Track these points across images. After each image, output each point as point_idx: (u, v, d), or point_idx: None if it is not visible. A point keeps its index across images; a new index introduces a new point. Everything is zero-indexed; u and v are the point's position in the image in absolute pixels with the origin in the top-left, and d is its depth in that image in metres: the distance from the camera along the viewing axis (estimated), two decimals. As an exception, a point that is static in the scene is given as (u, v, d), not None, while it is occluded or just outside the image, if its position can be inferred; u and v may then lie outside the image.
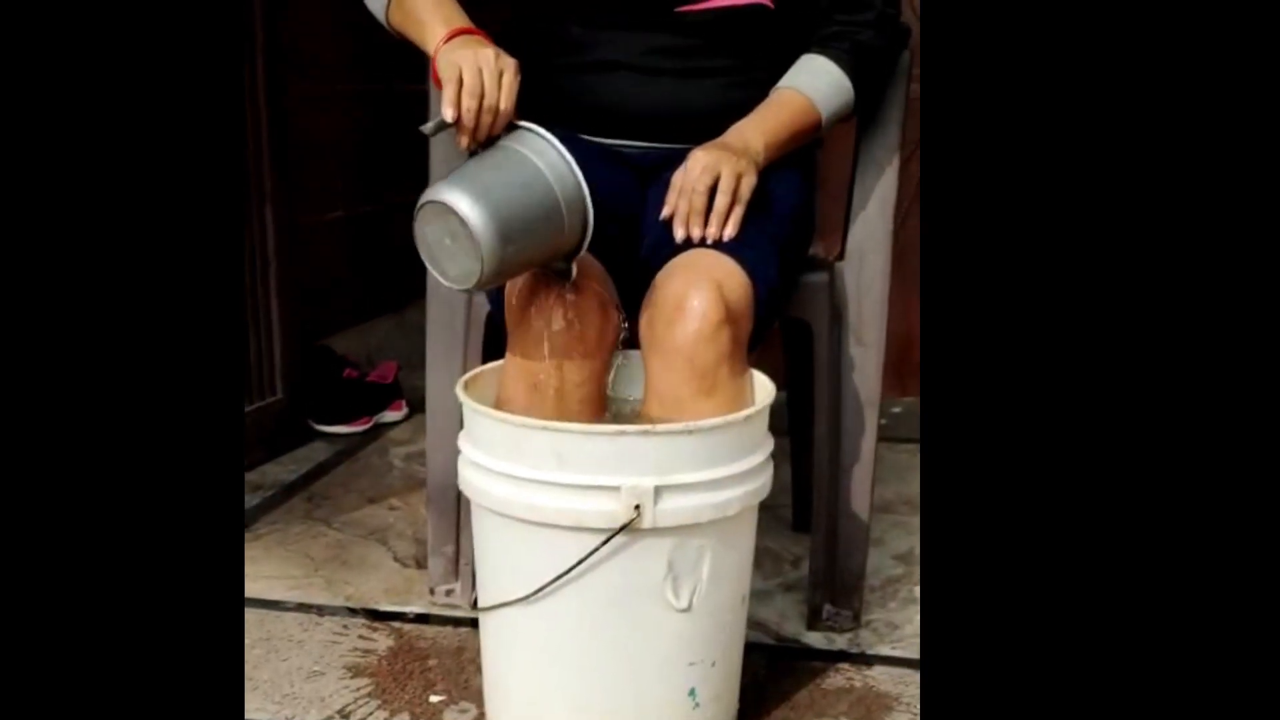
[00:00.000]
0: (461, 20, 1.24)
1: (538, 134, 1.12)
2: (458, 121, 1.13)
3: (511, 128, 1.15)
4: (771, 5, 1.36)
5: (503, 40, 1.39)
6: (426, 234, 1.11)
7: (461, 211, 1.06)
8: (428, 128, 1.16)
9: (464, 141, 1.15)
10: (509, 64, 1.15)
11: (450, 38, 1.20)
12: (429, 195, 1.09)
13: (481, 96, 1.12)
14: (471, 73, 1.13)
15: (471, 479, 1.17)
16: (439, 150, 1.49)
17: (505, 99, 1.14)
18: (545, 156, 1.11)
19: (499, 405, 1.21)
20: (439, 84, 1.15)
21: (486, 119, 1.14)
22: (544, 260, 1.15)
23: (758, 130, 1.34)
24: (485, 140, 1.15)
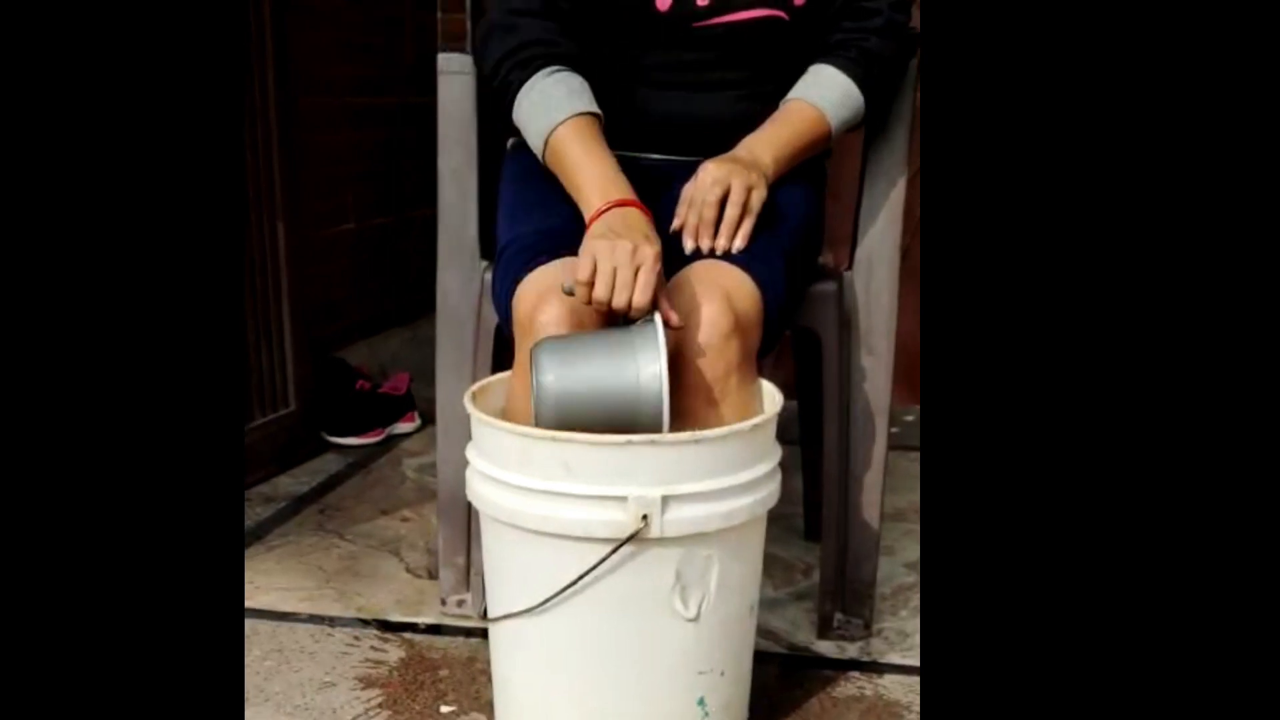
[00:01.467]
0: (616, 189, 1.24)
1: (654, 341, 1.11)
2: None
3: (648, 320, 1.14)
4: (786, 17, 1.36)
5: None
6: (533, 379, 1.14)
7: (537, 378, 1.11)
8: (566, 285, 1.16)
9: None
10: (648, 256, 1.14)
11: (603, 212, 1.21)
12: (537, 360, 1.12)
13: (608, 304, 1.13)
14: (606, 265, 1.13)
15: (480, 490, 1.17)
16: (448, 164, 1.50)
17: (640, 295, 1.13)
18: (646, 367, 1.10)
19: (506, 416, 1.22)
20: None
21: (614, 317, 1.15)
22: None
23: (768, 144, 1.34)
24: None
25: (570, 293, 1.16)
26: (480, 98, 1.48)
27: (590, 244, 1.16)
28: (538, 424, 1.12)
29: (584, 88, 1.31)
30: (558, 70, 1.30)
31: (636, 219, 1.20)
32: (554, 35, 1.32)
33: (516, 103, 1.32)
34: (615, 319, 1.17)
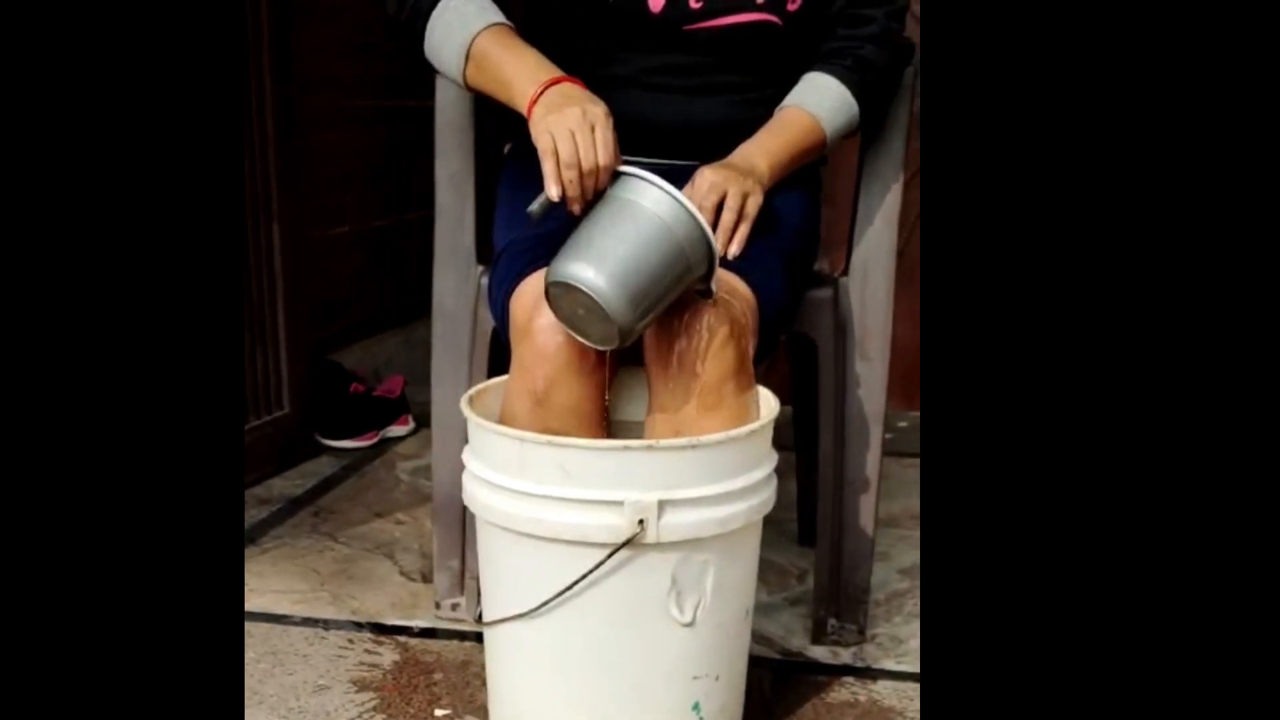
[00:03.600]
0: (546, 70, 1.23)
1: (640, 177, 1.11)
2: (565, 197, 1.15)
3: (614, 175, 1.15)
4: (780, 22, 1.37)
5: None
6: (561, 307, 1.13)
7: (586, 286, 1.08)
8: (534, 209, 1.16)
9: (575, 210, 1.16)
10: (598, 113, 1.15)
11: (540, 93, 1.20)
12: (552, 275, 1.10)
13: (579, 163, 1.13)
14: (566, 141, 1.14)
15: (476, 494, 1.17)
16: (446, 167, 1.50)
17: (604, 153, 1.14)
18: (654, 199, 1.09)
19: (503, 420, 1.22)
20: (537, 143, 1.16)
21: (589, 182, 1.15)
22: (679, 293, 1.15)
23: (763, 151, 1.35)
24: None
25: (540, 209, 1.15)
26: (478, 102, 1.48)
27: (539, 125, 1.16)
28: (621, 329, 1.08)
29: (494, 6, 1.31)
30: None
31: (573, 89, 1.20)
32: None
33: (429, 29, 1.32)
34: (586, 207, 1.16)
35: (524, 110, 1.23)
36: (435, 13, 1.32)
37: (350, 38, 2.60)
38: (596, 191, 1.16)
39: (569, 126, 1.14)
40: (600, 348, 1.15)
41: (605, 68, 1.38)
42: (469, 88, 1.34)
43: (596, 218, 1.13)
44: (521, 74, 1.25)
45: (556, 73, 1.24)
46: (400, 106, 2.78)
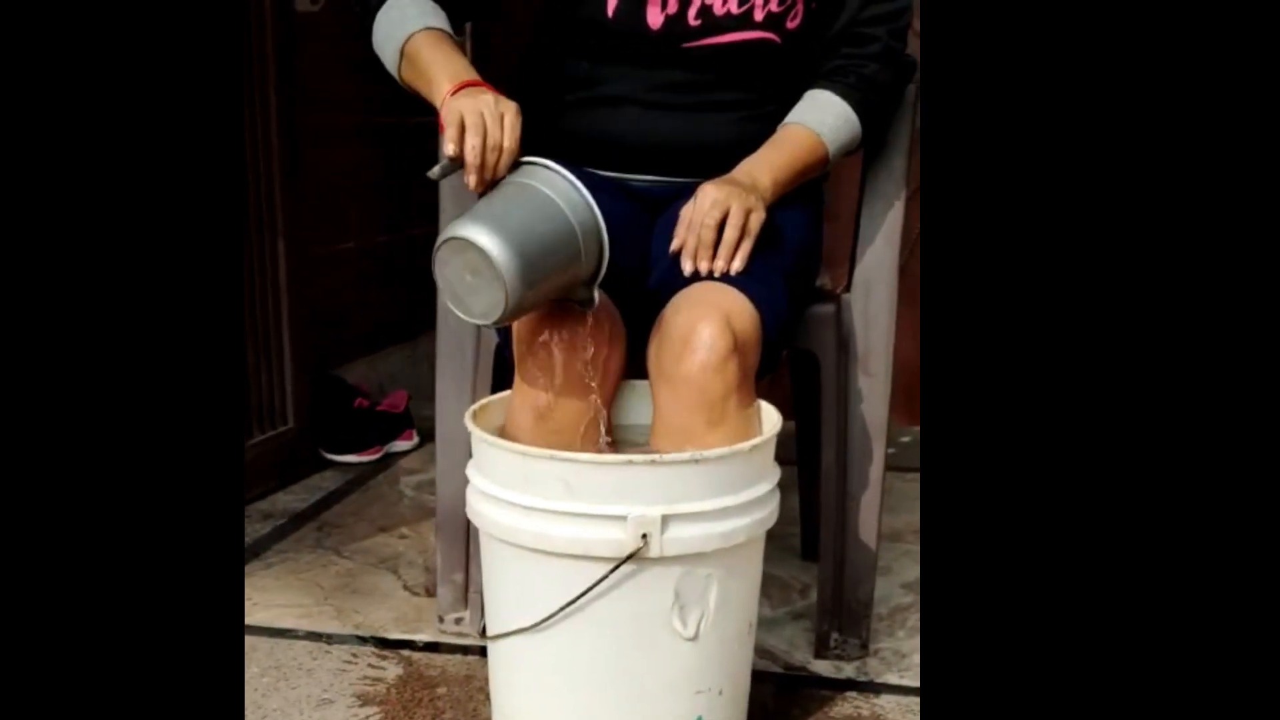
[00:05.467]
0: (468, 73, 1.25)
1: (545, 166, 1.15)
2: (464, 164, 1.15)
3: (518, 165, 1.17)
4: (779, 40, 1.38)
5: (514, 79, 1.42)
6: (447, 273, 1.12)
7: (480, 243, 1.07)
8: (434, 172, 1.18)
9: (472, 181, 1.16)
10: (509, 106, 1.17)
11: (456, 90, 1.21)
12: (446, 233, 1.10)
13: (485, 136, 1.15)
14: (473, 115, 1.15)
15: (480, 508, 1.18)
16: (449, 183, 1.51)
17: (509, 137, 1.16)
18: (555, 185, 1.13)
19: (506, 435, 1.22)
20: (444, 131, 1.17)
21: (492, 157, 1.16)
22: (566, 288, 1.16)
23: (765, 168, 1.35)
24: (494, 180, 1.17)
25: (442, 173, 1.17)
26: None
27: (449, 106, 1.17)
28: (508, 304, 1.08)
29: (437, 10, 1.33)
30: None
31: (487, 93, 1.20)
32: None
33: (375, 24, 1.34)
34: (492, 183, 1.17)
35: (439, 103, 1.23)
36: (381, 10, 1.33)
37: (353, 55, 2.60)
38: (498, 176, 1.17)
39: (479, 109, 1.16)
40: (479, 322, 1.14)
41: (605, 85, 1.39)
42: (403, 84, 1.35)
43: (497, 194, 1.15)
44: (444, 73, 1.25)
45: (476, 76, 1.25)
46: (403, 123, 2.79)
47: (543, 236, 1.11)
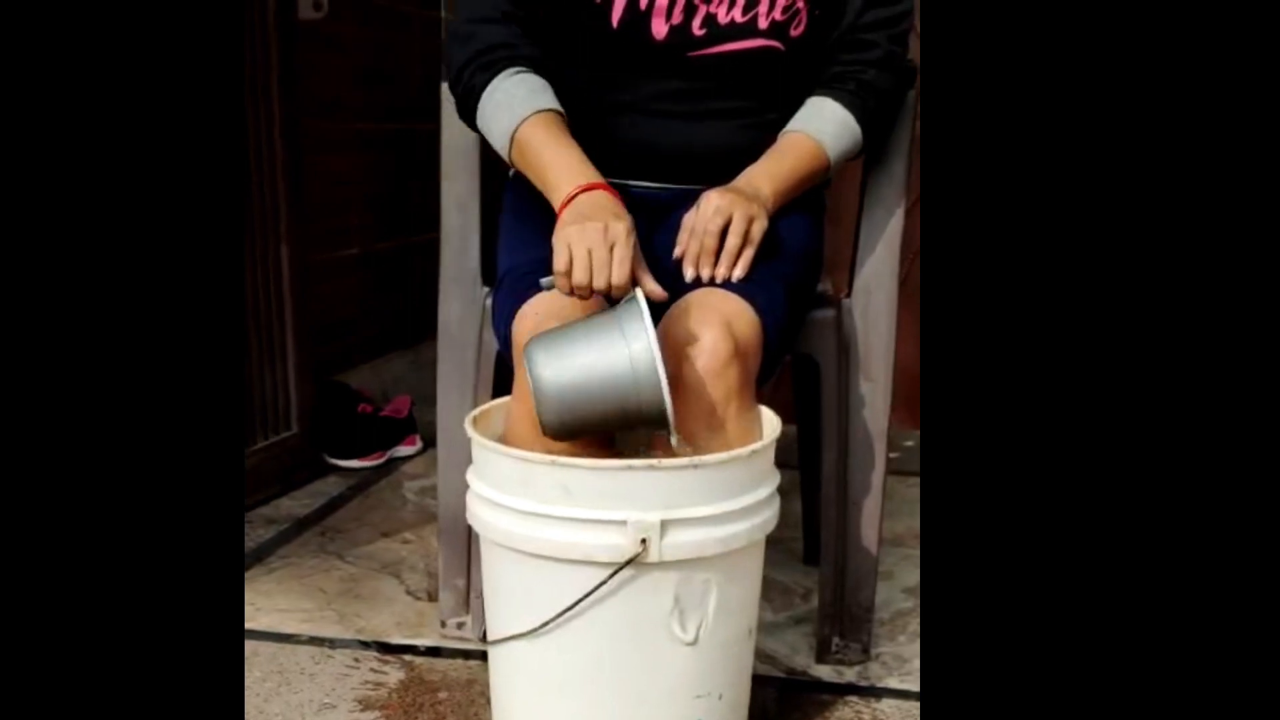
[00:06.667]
0: (582, 172, 1.25)
1: (639, 315, 1.11)
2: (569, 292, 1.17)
3: (630, 296, 1.15)
4: (782, 48, 1.38)
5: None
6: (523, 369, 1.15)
7: (533, 384, 1.11)
8: (545, 282, 1.18)
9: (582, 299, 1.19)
10: (620, 234, 1.15)
11: (570, 199, 1.22)
12: (525, 350, 1.14)
13: (590, 284, 1.15)
14: (582, 250, 1.15)
15: (480, 513, 1.18)
16: (452, 190, 1.52)
17: (617, 274, 1.15)
18: (635, 342, 1.11)
19: (507, 440, 1.23)
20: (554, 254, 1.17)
21: (598, 293, 1.16)
22: (616, 429, 1.17)
23: (768, 176, 1.36)
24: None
25: (550, 287, 1.17)
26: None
27: (561, 233, 1.17)
28: (543, 424, 1.12)
29: (545, 87, 1.32)
30: (519, 71, 1.32)
31: (604, 199, 1.21)
32: (514, 39, 1.34)
33: (480, 106, 1.34)
34: (600, 304, 1.18)
35: (556, 209, 1.24)
36: (486, 93, 1.33)
37: (357, 63, 2.63)
38: (610, 298, 1.17)
39: (587, 244, 1.15)
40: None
41: (610, 94, 1.39)
42: (513, 166, 1.35)
43: (587, 325, 1.14)
44: (558, 172, 1.26)
45: (592, 175, 1.25)
46: (406, 130, 2.81)
47: (597, 399, 1.11)
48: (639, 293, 1.14)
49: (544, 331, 1.16)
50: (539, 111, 1.30)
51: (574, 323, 1.17)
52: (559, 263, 1.15)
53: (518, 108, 1.30)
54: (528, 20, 1.36)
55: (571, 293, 1.17)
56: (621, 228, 1.16)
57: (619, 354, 1.10)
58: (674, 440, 1.13)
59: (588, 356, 1.11)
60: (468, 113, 1.37)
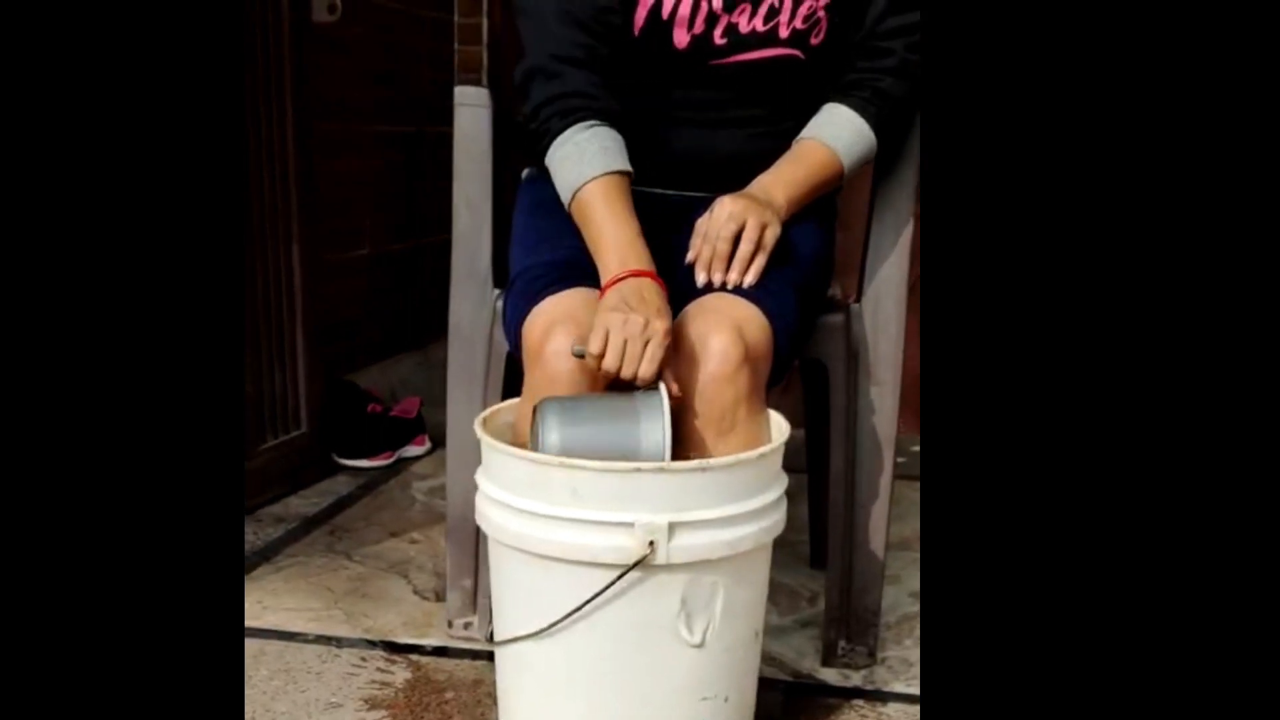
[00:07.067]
0: (635, 256, 1.24)
1: (659, 410, 1.14)
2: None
3: (654, 388, 1.17)
4: (802, 56, 1.38)
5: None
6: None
7: (542, 434, 1.14)
8: (576, 350, 1.20)
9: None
10: (657, 331, 1.16)
11: (618, 280, 1.22)
12: (541, 408, 1.16)
13: (618, 372, 1.16)
14: (618, 338, 1.16)
15: (488, 514, 1.19)
16: (463, 191, 1.52)
17: (646, 368, 1.16)
18: (649, 435, 1.13)
19: (516, 442, 1.23)
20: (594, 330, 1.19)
21: (623, 380, 1.17)
22: None
23: (782, 183, 1.36)
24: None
25: (580, 355, 1.19)
26: (496, 129, 1.51)
27: (604, 316, 1.18)
28: None
29: (618, 145, 1.31)
30: (595, 124, 1.31)
31: (651, 291, 1.21)
32: (596, 90, 1.32)
33: (551, 150, 1.33)
34: (622, 385, 1.19)
35: (602, 284, 1.24)
36: (560, 139, 1.32)
37: (369, 65, 2.64)
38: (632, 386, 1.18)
39: (624, 334, 1.16)
40: None
41: (630, 100, 1.40)
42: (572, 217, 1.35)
43: (606, 405, 1.17)
44: (611, 248, 1.26)
45: (642, 259, 1.25)
46: (418, 132, 2.81)
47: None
48: (663, 388, 1.16)
49: (561, 397, 1.17)
50: (606, 173, 1.29)
51: (592, 397, 1.19)
52: (594, 344, 1.16)
53: (586, 166, 1.29)
54: (609, 59, 1.34)
55: (600, 372, 1.18)
56: (661, 327, 1.16)
57: (631, 441, 1.13)
58: None
59: (599, 434, 1.13)
60: (541, 152, 1.35)
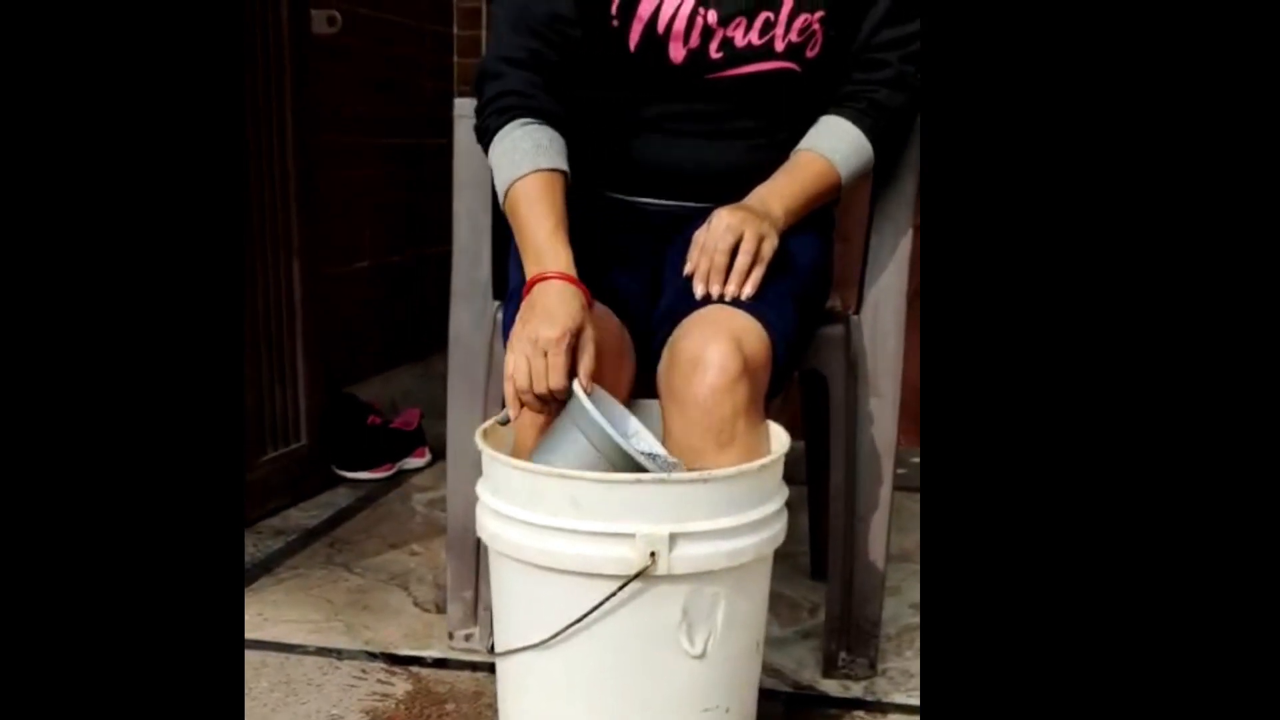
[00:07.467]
0: (550, 258, 1.25)
1: (582, 408, 1.15)
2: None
3: (571, 394, 1.18)
4: (798, 69, 1.39)
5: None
6: None
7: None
8: (501, 419, 1.23)
9: (541, 416, 1.22)
10: (549, 342, 1.17)
11: (529, 288, 1.24)
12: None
13: (531, 388, 1.18)
14: (522, 370, 1.18)
15: (489, 525, 1.19)
16: (463, 204, 1.53)
17: (553, 380, 1.17)
18: (591, 432, 1.14)
19: (516, 453, 1.23)
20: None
21: (546, 401, 1.19)
22: None
23: (779, 195, 1.36)
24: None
25: (504, 421, 1.22)
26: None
27: (512, 343, 1.20)
28: None
29: (552, 143, 1.32)
30: (530, 123, 1.32)
31: (552, 295, 1.21)
32: (534, 89, 1.34)
33: (491, 148, 1.35)
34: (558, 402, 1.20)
35: (523, 292, 1.26)
36: (497, 137, 1.33)
37: (369, 77, 2.64)
38: (559, 402, 1.19)
39: (525, 352, 1.18)
40: None
41: (627, 113, 1.40)
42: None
43: (553, 437, 1.18)
44: (529, 252, 1.27)
45: (554, 260, 1.25)
46: (418, 144, 2.82)
47: None
48: (575, 386, 1.17)
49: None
50: (534, 172, 1.29)
51: (546, 435, 1.20)
52: (507, 379, 1.19)
53: (518, 163, 1.30)
54: (556, 65, 1.35)
55: (519, 404, 1.20)
56: (549, 335, 1.17)
57: (584, 449, 1.14)
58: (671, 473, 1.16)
59: (561, 463, 1.14)
60: (483, 149, 1.38)
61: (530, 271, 1.26)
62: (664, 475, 1.11)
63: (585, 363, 1.19)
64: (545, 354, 1.17)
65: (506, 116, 1.33)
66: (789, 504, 1.22)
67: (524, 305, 1.23)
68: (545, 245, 1.26)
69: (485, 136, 1.36)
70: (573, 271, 1.24)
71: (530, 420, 1.23)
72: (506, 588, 1.20)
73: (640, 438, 1.24)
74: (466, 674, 1.53)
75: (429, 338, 2.82)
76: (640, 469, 1.13)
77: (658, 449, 1.23)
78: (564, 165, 1.31)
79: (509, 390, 1.20)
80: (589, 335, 1.20)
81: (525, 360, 1.18)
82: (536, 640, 1.14)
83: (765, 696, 1.31)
